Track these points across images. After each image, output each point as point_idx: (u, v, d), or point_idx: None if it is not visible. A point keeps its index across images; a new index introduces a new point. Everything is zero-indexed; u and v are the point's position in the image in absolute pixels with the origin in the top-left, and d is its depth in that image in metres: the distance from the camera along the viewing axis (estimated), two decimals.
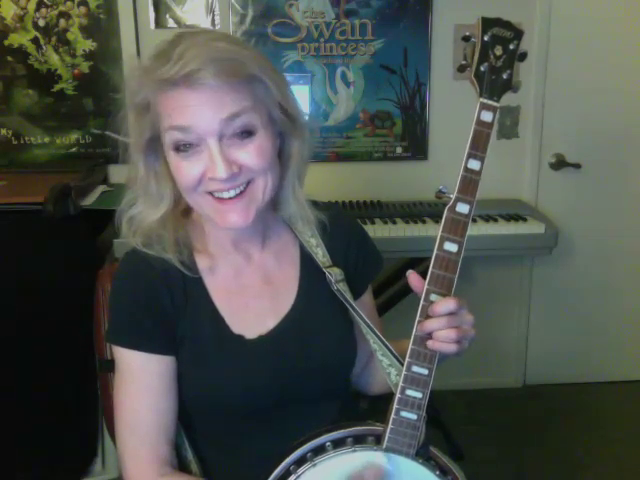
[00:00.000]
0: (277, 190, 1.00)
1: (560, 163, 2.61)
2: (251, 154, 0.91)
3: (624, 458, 2.35)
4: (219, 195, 0.92)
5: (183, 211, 1.02)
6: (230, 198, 0.92)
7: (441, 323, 0.86)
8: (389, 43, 2.45)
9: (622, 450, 2.40)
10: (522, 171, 2.63)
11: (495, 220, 2.27)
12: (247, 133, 0.90)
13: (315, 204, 1.08)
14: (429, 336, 0.88)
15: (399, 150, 2.56)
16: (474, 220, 2.25)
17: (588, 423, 2.57)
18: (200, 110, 0.87)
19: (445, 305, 0.86)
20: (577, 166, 2.59)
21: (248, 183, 0.93)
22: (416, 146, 2.56)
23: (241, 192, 0.92)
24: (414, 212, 2.30)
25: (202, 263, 1.02)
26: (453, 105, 2.42)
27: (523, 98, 2.54)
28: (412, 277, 0.89)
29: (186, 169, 0.91)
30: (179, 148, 0.90)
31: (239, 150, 0.90)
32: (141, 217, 0.99)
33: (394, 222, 2.23)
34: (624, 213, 2.71)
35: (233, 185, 0.91)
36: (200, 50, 0.85)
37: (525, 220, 2.30)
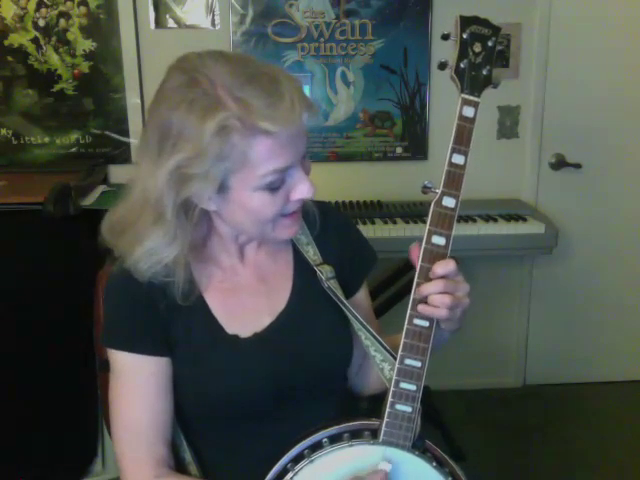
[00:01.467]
0: None
1: (560, 163, 2.61)
2: (309, 165, 0.96)
3: (624, 458, 2.35)
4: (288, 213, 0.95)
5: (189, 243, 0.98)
6: (296, 212, 0.97)
7: (438, 286, 0.87)
8: (389, 43, 2.45)
9: (622, 450, 2.40)
10: (522, 171, 2.63)
11: (495, 220, 2.27)
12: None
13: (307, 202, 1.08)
14: (423, 330, 0.88)
15: (399, 150, 2.56)
16: (474, 220, 2.25)
17: (588, 423, 2.58)
18: (297, 146, 0.89)
19: (444, 266, 0.87)
20: (577, 166, 2.59)
21: None
22: (416, 146, 2.56)
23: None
24: (414, 212, 2.30)
25: (200, 272, 1.01)
26: (453, 105, 2.41)
27: (523, 98, 2.55)
28: (413, 251, 0.90)
29: (272, 204, 0.91)
30: (272, 187, 0.90)
31: (305, 166, 0.95)
32: (154, 252, 0.93)
33: (394, 222, 2.23)
34: (624, 213, 2.71)
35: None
36: (295, 87, 0.87)
37: (525, 220, 2.30)
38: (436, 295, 0.87)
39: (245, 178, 0.88)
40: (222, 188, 0.89)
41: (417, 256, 0.89)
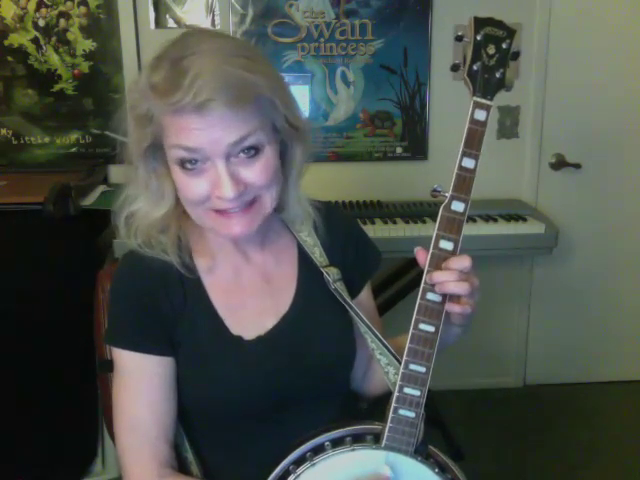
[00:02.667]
0: (281, 194, 1.00)
1: (560, 163, 2.61)
2: (257, 172, 0.90)
3: (624, 458, 2.35)
4: (222, 210, 0.92)
5: (183, 211, 1.02)
6: (235, 212, 0.92)
7: (453, 275, 0.86)
8: (389, 43, 2.45)
9: (622, 450, 2.40)
10: (522, 171, 2.63)
11: (495, 220, 2.27)
12: (254, 150, 0.90)
13: (312, 203, 1.08)
14: (428, 335, 0.87)
15: (399, 150, 2.56)
16: (474, 220, 2.25)
17: (588, 423, 2.57)
18: (208, 134, 0.86)
19: (460, 262, 0.86)
20: (577, 166, 2.59)
21: (254, 198, 0.93)
22: (416, 146, 2.56)
23: (247, 207, 0.93)
24: (414, 212, 2.30)
25: (201, 264, 1.02)
26: (453, 105, 2.41)
27: (523, 98, 2.54)
28: (420, 254, 0.89)
29: (192, 186, 0.90)
30: (184, 165, 0.89)
31: (246, 169, 0.90)
32: (141, 214, 0.98)
33: (394, 222, 2.23)
34: (624, 213, 2.71)
35: (239, 203, 0.91)
36: (211, 76, 0.83)
37: (525, 220, 2.30)
38: (453, 283, 0.85)
39: (166, 144, 0.91)
40: (157, 148, 0.94)
41: (424, 258, 0.88)
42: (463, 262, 0.87)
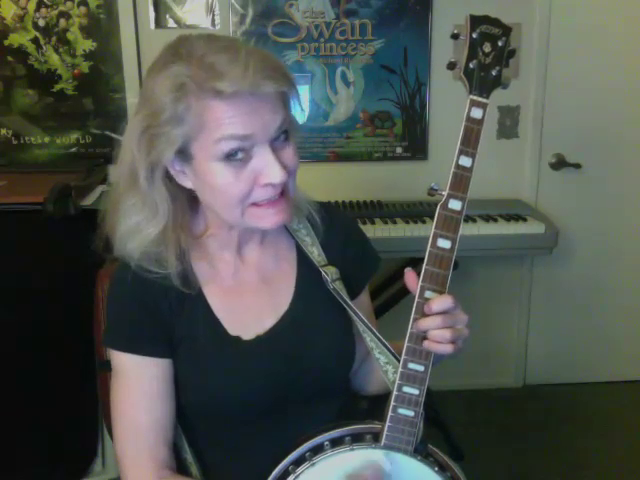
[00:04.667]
0: None
1: (560, 163, 2.61)
2: (291, 156, 0.92)
3: (624, 458, 2.35)
4: (262, 201, 0.92)
5: (180, 224, 0.99)
6: (272, 201, 0.92)
7: (436, 322, 0.86)
8: (389, 43, 2.45)
9: (622, 450, 2.40)
10: (522, 171, 2.63)
11: (495, 220, 2.27)
12: (285, 134, 0.92)
13: (312, 204, 1.08)
14: (425, 335, 0.88)
15: (399, 150, 2.56)
16: (474, 220, 2.25)
17: (588, 423, 2.57)
18: (259, 117, 0.86)
19: (441, 302, 0.86)
20: (577, 166, 2.59)
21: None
22: (416, 146, 2.56)
23: (281, 194, 0.93)
24: (414, 212, 2.30)
25: (201, 269, 1.01)
26: (453, 105, 2.40)
27: (523, 98, 2.55)
28: (409, 276, 0.89)
29: (237, 182, 0.89)
30: (233, 157, 0.87)
31: (282, 153, 0.91)
32: (139, 228, 0.95)
33: (394, 222, 2.23)
34: (624, 213, 2.71)
35: (279, 189, 0.92)
36: (261, 60, 0.86)
37: (525, 220, 2.30)
38: (436, 331, 0.86)
39: (204, 145, 0.88)
40: (185, 154, 0.90)
41: (413, 282, 0.88)
42: (444, 303, 0.86)
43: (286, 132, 0.91)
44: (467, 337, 0.90)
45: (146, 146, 0.89)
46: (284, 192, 0.93)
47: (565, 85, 2.54)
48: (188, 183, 0.94)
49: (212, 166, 0.89)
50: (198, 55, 0.86)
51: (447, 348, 0.87)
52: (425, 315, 0.87)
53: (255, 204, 0.92)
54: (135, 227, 0.95)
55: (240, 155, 0.87)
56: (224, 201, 0.91)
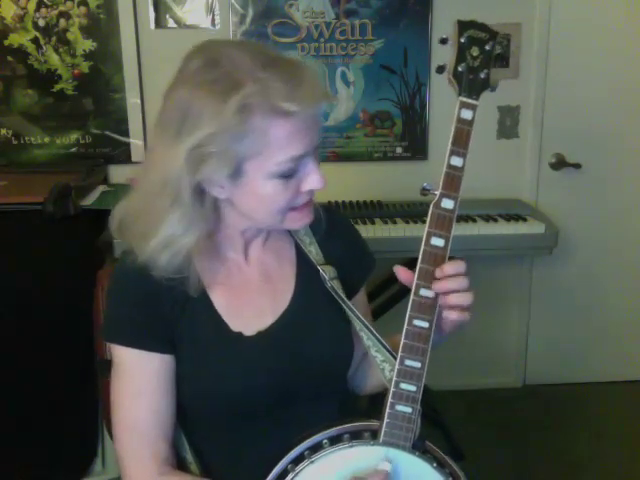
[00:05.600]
0: None
1: (560, 163, 2.61)
2: (318, 158, 0.96)
3: (624, 458, 2.35)
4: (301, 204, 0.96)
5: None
6: (308, 202, 0.97)
7: (459, 283, 0.88)
8: (389, 43, 2.45)
9: (622, 450, 2.40)
10: (522, 171, 2.63)
11: (495, 220, 2.27)
12: None
13: None
14: (423, 331, 0.88)
15: (399, 150, 2.56)
16: (474, 220, 2.25)
17: (588, 423, 2.58)
18: (313, 134, 0.90)
19: (455, 266, 0.88)
20: (577, 166, 2.59)
21: None
22: (416, 146, 2.56)
23: None
24: (414, 212, 2.30)
25: (204, 268, 1.01)
26: (453, 105, 2.41)
27: (523, 98, 2.54)
28: (400, 271, 0.92)
29: (284, 193, 0.92)
30: (284, 175, 0.90)
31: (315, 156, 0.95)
32: (173, 240, 0.93)
33: (394, 222, 2.23)
34: (624, 213, 2.71)
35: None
36: (314, 75, 0.89)
37: (525, 220, 2.30)
38: (455, 295, 0.88)
39: (261, 165, 0.88)
40: (237, 172, 0.89)
41: (405, 275, 0.91)
42: (458, 267, 0.88)
43: None
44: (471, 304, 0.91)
45: (195, 163, 0.87)
46: None
47: (565, 85, 2.54)
48: (222, 195, 0.93)
49: (265, 182, 0.90)
50: (254, 71, 0.85)
51: (466, 316, 0.89)
52: (435, 280, 0.88)
53: (293, 208, 0.95)
54: (170, 238, 0.93)
55: (292, 172, 0.91)
56: (268, 210, 0.94)
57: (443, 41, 0.92)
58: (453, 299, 0.88)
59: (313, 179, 0.93)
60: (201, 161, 0.87)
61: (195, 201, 0.91)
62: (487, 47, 0.89)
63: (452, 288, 0.88)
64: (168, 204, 0.91)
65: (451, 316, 0.89)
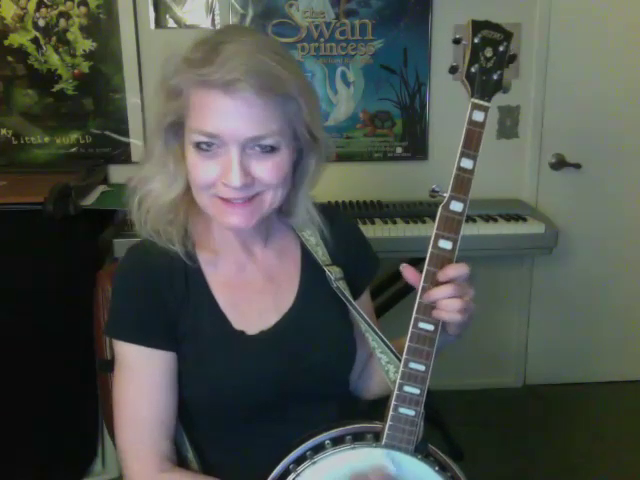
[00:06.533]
0: (289, 201, 1.03)
1: (560, 163, 2.61)
2: (268, 170, 0.92)
3: (624, 458, 2.35)
4: (226, 198, 0.93)
5: (191, 201, 1.01)
6: (237, 203, 0.94)
7: (447, 291, 0.87)
8: (389, 43, 2.45)
9: (622, 450, 2.40)
10: (522, 171, 2.63)
11: (495, 220, 2.27)
12: (270, 148, 0.92)
13: (314, 204, 1.09)
14: (428, 334, 0.88)
15: (399, 150, 2.56)
16: (474, 220, 2.25)
17: (588, 423, 2.58)
18: (231, 119, 0.88)
19: (458, 269, 0.88)
20: (577, 166, 2.59)
21: (257, 193, 0.94)
22: (416, 146, 2.56)
23: (248, 200, 0.94)
24: (414, 212, 2.30)
25: (204, 257, 1.02)
26: (453, 105, 2.41)
27: (523, 98, 2.54)
28: (407, 270, 0.91)
29: (203, 169, 0.92)
30: (200, 146, 0.91)
31: (258, 163, 0.92)
32: (154, 195, 0.99)
33: (394, 222, 2.23)
34: (624, 213, 2.71)
35: (243, 194, 0.93)
36: (244, 59, 0.86)
37: (525, 220, 2.30)
38: (447, 300, 0.87)
39: (187, 126, 0.93)
40: (179, 127, 0.95)
41: (412, 275, 0.90)
42: (460, 269, 0.88)
43: (271, 147, 0.91)
44: (473, 312, 0.92)
45: (163, 102, 0.95)
46: (256, 198, 0.94)
47: (565, 85, 2.54)
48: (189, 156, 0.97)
49: (188, 147, 0.93)
50: (212, 40, 0.90)
51: (456, 316, 0.88)
52: (437, 283, 0.88)
53: (221, 198, 0.94)
54: (151, 192, 0.99)
55: (206, 147, 0.91)
56: (193, 182, 0.95)
57: (456, 41, 0.90)
58: (442, 304, 0.88)
59: (228, 174, 0.90)
60: (169, 100, 0.94)
61: (170, 148, 0.97)
62: (501, 48, 0.89)
63: (439, 296, 0.87)
64: (151, 165, 0.99)
65: (439, 315, 0.88)
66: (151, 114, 1.00)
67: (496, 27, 0.89)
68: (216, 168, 0.91)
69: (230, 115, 0.88)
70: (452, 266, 0.88)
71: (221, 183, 0.92)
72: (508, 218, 2.30)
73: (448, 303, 0.87)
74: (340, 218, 1.15)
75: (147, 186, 0.99)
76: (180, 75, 0.91)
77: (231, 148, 0.90)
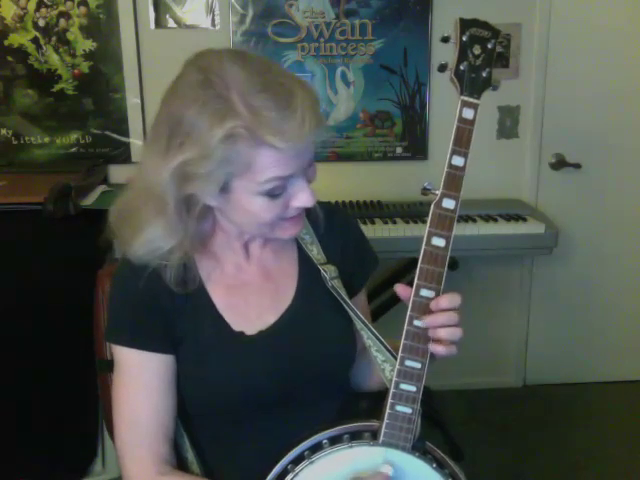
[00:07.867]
0: None
1: (560, 163, 2.61)
2: (313, 172, 0.96)
3: (624, 458, 2.35)
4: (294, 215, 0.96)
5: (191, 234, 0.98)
6: (299, 214, 0.97)
7: (446, 317, 0.87)
8: (389, 43, 2.45)
9: (622, 450, 2.40)
10: (522, 171, 2.63)
11: (495, 220, 2.27)
12: None
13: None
14: (423, 332, 0.88)
15: (399, 150, 2.56)
16: (474, 220, 2.25)
17: (588, 423, 2.58)
18: (301, 159, 0.90)
19: (451, 299, 0.87)
20: (577, 166, 2.59)
21: None
22: (416, 146, 2.56)
23: None
24: (414, 212, 2.30)
25: (202, 260, 1.02)
26: (453, 105, 2.41)
27: (523, 98, 2.54)
28: (399, 289, 0.91)
29: (271, 208, 0.92)
30: (274, 193, 0.90)
31: (308, 172, 0.95)
32: (154, 243, 0.94)
33: (394, 222, 2.23)
34: (624, 213, 2.71)
35: None
36: (311, 105, 0.86)
37: (525, 220, 2.30)
38: (445, 329, 0.87)
39: (247, 183, 0.89)
40: (224, 189, 0.90)
41: (405, 294, 0.89)
42: (454, 301, 0.88)
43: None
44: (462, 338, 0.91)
45: (181, 180, 0.88)
46: None
47: (565, 85, 2.54)
48: (213, 203, 0.94)
49: (251, 198, 0.90)
50: (245, 96, 0.83)
51: (453, 350, 0.88)
52: (429, 312, 0.87)
53: (283, 218, 0.95)
54: (151, 240, 0.94)
55: (280, 191, 0.90)
56: (256, 223, 0.94)
57: (445, 39, 0.91)
58: (442, 332, 0.87)
59: (302, 197, 0.92)
60: (187, 179, 0.88)
61: (181, 210, 0.92)
62: (489, 45, 0.88)
63: (443, 322, 0.87)
64: (153, 213, 0.93)
65: (437, 350, 0.88)
66: (156, 120, 0.90)
67: (484, 25, 0.89)
68: (284, 201, 0.92)
69: (302, 155, 0.89)
70: (445, 297, 0.87)
71: (292, 208, 0.93)
72: (508, 218, 2.30)
73: (448, 332, 0.87)
74: (340, 215, 1.15)
75: (148, 233, 0.94)
76: (242, 140, 0.84)
77: (300, 177, 0.92)
